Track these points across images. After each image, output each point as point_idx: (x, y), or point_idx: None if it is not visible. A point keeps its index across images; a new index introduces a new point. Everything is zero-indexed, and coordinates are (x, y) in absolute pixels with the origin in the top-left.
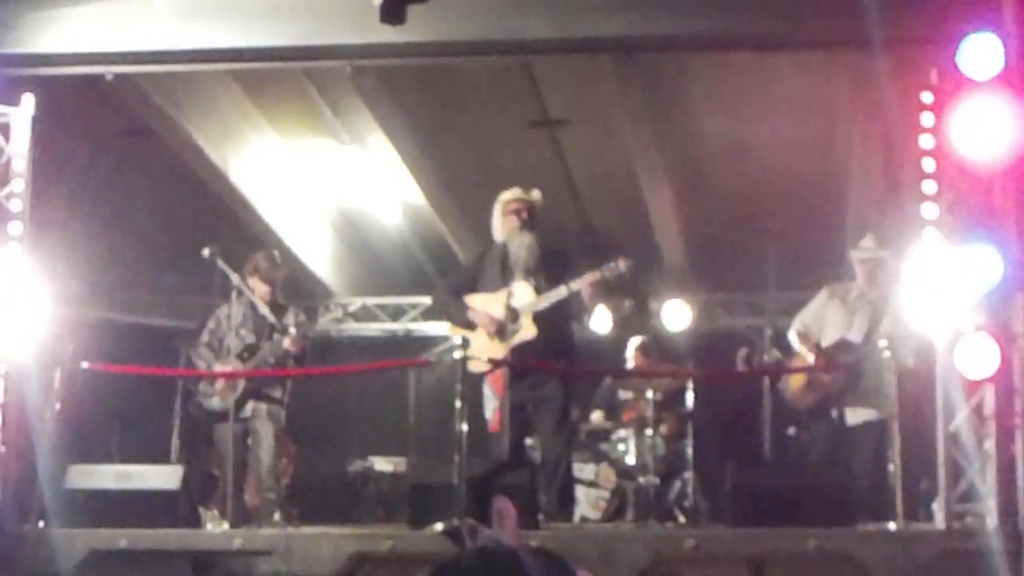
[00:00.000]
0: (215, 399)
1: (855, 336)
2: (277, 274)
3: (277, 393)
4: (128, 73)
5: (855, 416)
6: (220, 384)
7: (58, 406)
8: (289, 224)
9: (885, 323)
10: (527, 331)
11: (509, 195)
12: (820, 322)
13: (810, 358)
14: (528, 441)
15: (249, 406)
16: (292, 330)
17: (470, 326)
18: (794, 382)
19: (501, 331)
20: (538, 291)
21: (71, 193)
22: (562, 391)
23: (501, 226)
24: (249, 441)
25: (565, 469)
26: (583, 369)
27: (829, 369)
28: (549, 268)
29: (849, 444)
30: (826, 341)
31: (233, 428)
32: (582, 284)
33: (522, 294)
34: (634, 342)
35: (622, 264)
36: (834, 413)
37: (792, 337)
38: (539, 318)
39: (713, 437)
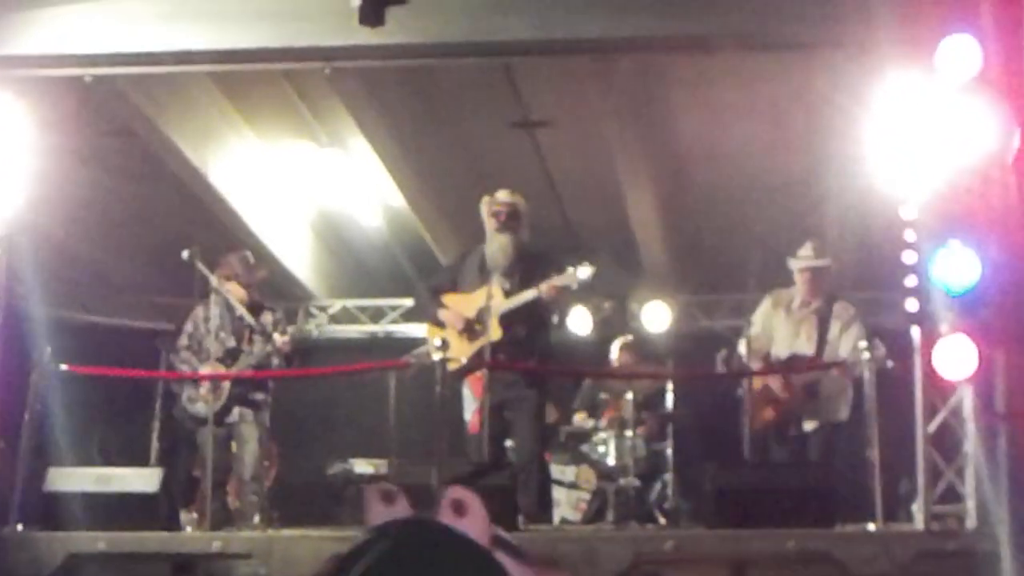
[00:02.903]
0: (200, 404)
1: (805, 348)
2: (253, 278)
3: (260, 397)
4: (107, 75)
5: (809, 425)
6: (204, 389)
7: (37, 408)
8: (269, 226)
9: (832, 330)
10: (493, 333)
11: (490, 197)
12: (768, 332)
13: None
14: (508, 443)
15: (235, 411)
16: (276, 336)
17: (441, 325)
18: (758, 409)
19: (469, 331)
20: (509, 293)
21: (49, 194)
22: (535, 392)
23: (486, 227)
24: (233, 444)
25: (540, 470)
26: (562, 369)
27: (795, 375)
28: (524, 270)
29: (803, 451)
30: (776, 352)
31: (217, 432)
32: (544, 290)
33: (496, 295)
34: (618, 342)
35: (581, 272)
36: (792, 430)
37: (741, 350)
38: (505, 320)
39: (693, 438)
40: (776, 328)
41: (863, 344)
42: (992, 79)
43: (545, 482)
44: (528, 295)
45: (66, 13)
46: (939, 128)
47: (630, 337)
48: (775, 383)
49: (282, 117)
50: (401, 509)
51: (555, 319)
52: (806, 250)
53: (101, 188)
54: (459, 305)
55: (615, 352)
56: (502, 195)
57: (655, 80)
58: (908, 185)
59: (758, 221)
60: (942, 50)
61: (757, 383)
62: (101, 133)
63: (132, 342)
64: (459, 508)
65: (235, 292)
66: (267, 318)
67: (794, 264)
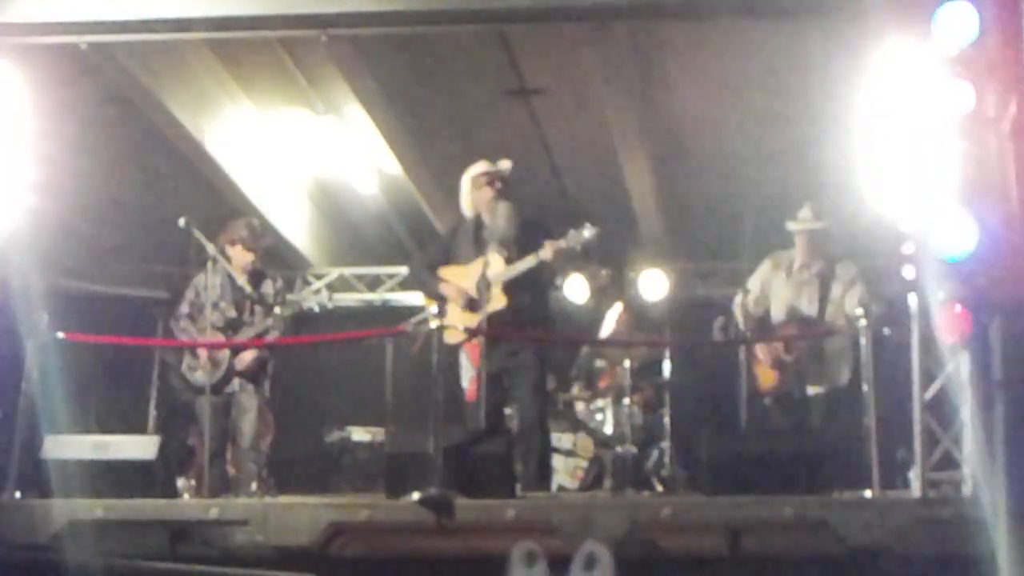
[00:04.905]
0: (199, 373)
1: (807, 309)
2: (260, 243)
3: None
4: (103, 42)
5: (812, 390)
6: (204, 358)
7: (34, 376)
8: (265, 194)
9: (835, 291)
10: (497, 301)
11: (478, 169)
12: (766, 294)
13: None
14: (507, 411)
15: (234, 382)
16: (275, 311)
17: (443, 299)
18: (763, 370)
19: (472, 302)
20: (509, 261)
21: (45, 162)
22: (537, 360)
23: (473, 200)
24: (232, 413)
25: (542, 438)
26: (560, 338)
27: (795, 339)
28: (524, 238)
29: (802, 415)
30: (775, 314)
31: (215, 401)
32: (548, 253)
33: (495, 264)
34: (615, 308)
35: (586, 232)
36: (796, 394)
37: (735, 310)
38: (509, 288)
39: (690, 406)
40: (775, 290)
41: (860, 310)
42: (989, 46)
43: (546, 451)
44: (530, 261)
45: None
46: (936, 95)
47: (621, 304)
48: (779, 346)
49: (278, 85)
50: (539, 571)
51: (558, 282)
52: (804, 212)
53: (97, 156)
54: (457, 277)
55: (613, 316)
56: (492, 164)
57: (651, 47)
58: (904, 152)
59: (754, 189)
60: (939, 16)
61: (768, 355)
62: (97, 101)
63: (128, 311)
64: (590, 562)
65: (240, 257)
66: (268, 288)
67: (792, 227)
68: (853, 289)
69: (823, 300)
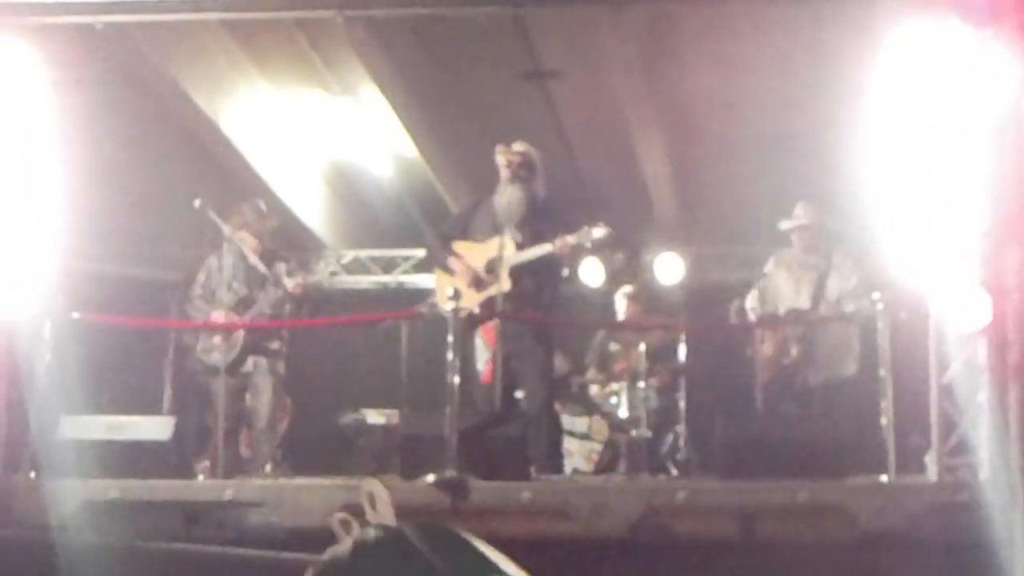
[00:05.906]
0: (215, 354)
1: (803, 303)
2: (265, 226)
3: (275, 346)
4: (119, 22)
5: (815, 379)
6: (218, 338)
7: (49, 357)
8: (280, 176)
9: (831, 284)
10: (501, 284)
11: (501, 148)
12: (773, 292)
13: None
14: (519, 393)
15: (250, 361)
16: (286, 280)
17: (449, 272)
18: (761, 354)
19: (476, 281)
20: (520, 246)
21: (60, 143)
22: (540, 345)
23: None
24: (247, 394)
25: (549, 421)
26: (577, 321)
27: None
28: (536, 223)
29: (809, 404)
30: (781, 311)
31: (231, 382)
32: (557, 247)
33: (508, 247)
34: (624, 291)
35: (596, 232)
36: (798, 386)
37: (748, 310)
38: (515, 273)
39: (705, 390)
40: (779, 287)
41: (876, 294)
42: (1009, 29)
43: (555, 433)
44: (541, 250)
45: None
46: (954, 79)
47: (634, 286)
48: (768, 344)
49: (294, 66)
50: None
51: (565, 272)
52: (798, 210)
53: (112, 137)
54: (469, 253)
55: (621, 303)
56: (515, 146)
57: (666, 30)
58: (922, 135)
59: (769, 172)
60: None
61: (768, 349)
62: (112, 82)
63: (142, 292)
64: (371, 501)
65: (248, 241)
66: (280, 268)
67: (785, 225)
68: (851, 279)
69: (817, 294)
